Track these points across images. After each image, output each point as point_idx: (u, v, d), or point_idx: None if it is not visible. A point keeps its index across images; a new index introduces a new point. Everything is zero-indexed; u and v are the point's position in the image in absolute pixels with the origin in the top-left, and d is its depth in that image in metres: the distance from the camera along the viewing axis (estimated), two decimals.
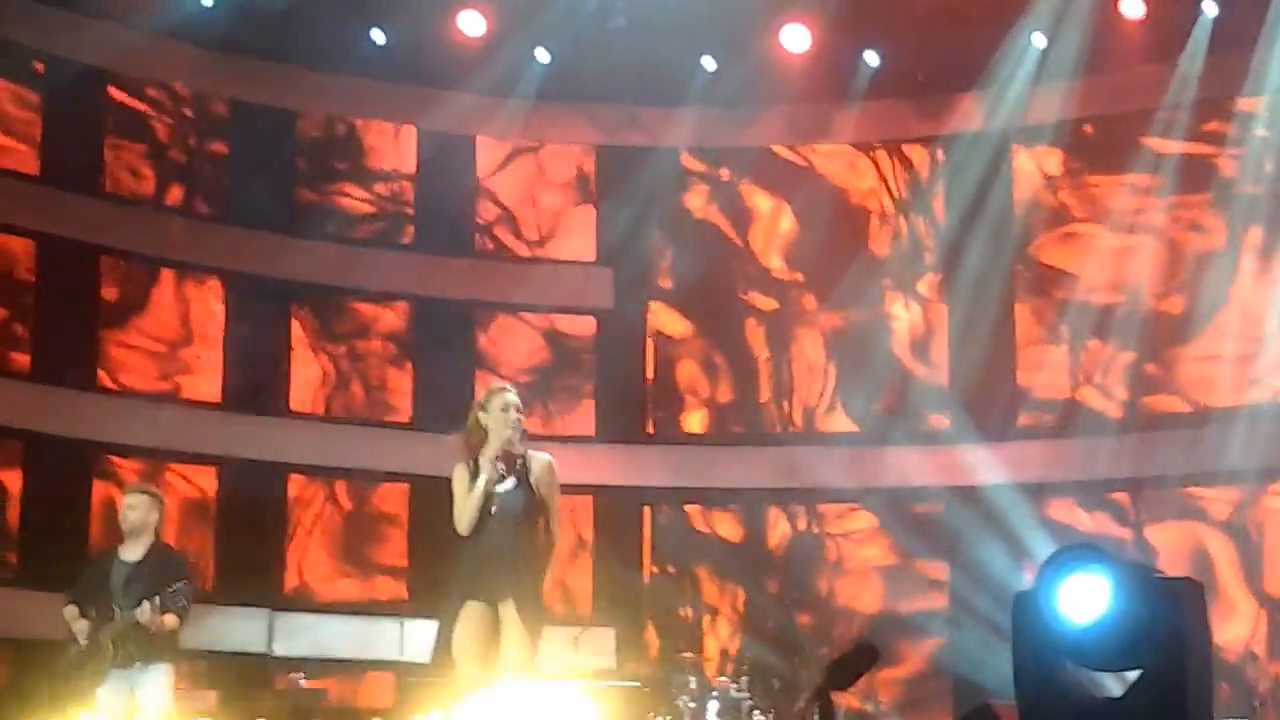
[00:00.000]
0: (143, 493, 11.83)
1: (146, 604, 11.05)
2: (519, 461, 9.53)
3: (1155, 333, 18.82)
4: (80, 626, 11.26)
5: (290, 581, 19.23)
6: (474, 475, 9.45)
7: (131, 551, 11.48)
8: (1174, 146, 18.75)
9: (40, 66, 18.53)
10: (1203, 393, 18.54)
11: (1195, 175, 18.76)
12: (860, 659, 6.72)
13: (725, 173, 20.75)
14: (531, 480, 9.50)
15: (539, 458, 9.58)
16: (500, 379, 16.35)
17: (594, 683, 11.53)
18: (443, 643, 9.48)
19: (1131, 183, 19.03)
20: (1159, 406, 18.78)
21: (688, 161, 20.68)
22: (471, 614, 9.45)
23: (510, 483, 9.50)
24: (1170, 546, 18.20)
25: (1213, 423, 18.13)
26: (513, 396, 9.57)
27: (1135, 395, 18.91)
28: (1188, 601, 6.39)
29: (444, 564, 17.78)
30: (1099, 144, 19.35)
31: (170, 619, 11.18)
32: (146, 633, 11.15)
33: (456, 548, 9.60)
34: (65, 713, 7.86)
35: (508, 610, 9.39)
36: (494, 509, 9.43)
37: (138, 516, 11.52)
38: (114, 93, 19.07)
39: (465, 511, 9.46)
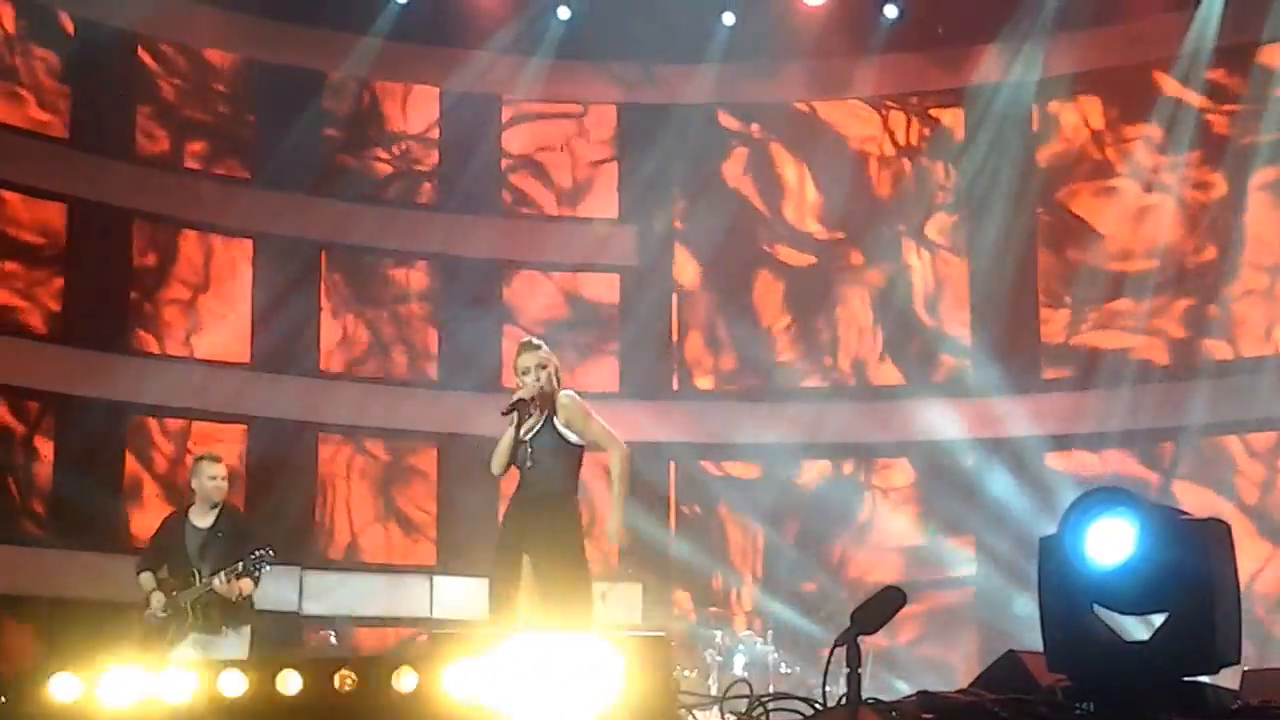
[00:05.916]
0: (221, 461, 11.94)
1: (221, 575, 11.19)
2: (547, 410, 9.61)
3: (1177, 283, 18.76)
4: (157, 596, 11.41)
5: (320, 540, 19.36)
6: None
7: (202, 517, 11.57)
8: (1193, 96, 18.69)
9: (70, 29, 18.62)
10: (1228, 342, 18.52)
11: (1215, 125, 18.68)
12: (887, 603, 6.77)
13: (746, 128, 20.77)
14: (557, 423, 9.58)
15: (559, 398, 9.64)
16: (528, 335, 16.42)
17: (617, 632, 11.56)
18: (492, 595, 9.62)
19: (1150, 133, 18.99)
20: (1186, 355, 18.70)
21: (710, 118, 20.70)
22: (508, 566, 9.59)
23: (536, 429, 9.58)
24: (1198, 498, 18.11)
25: (1242, 371, 18.14)
26: (521, 357, 9.71)
27: (1160, 344, 18.89)
28: (1215, 543, 6.32)
29: (471, 521, 17.85)
30: (1119, 94, 19.32)
31: (246, 584, 11.31)
32: (225, 598, 11.34)
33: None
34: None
35: (527, 562, 9.49)
36: (528, 463, 9.54)
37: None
38: (143, 56, 19.17)
39: (494, 455, 9.62)
